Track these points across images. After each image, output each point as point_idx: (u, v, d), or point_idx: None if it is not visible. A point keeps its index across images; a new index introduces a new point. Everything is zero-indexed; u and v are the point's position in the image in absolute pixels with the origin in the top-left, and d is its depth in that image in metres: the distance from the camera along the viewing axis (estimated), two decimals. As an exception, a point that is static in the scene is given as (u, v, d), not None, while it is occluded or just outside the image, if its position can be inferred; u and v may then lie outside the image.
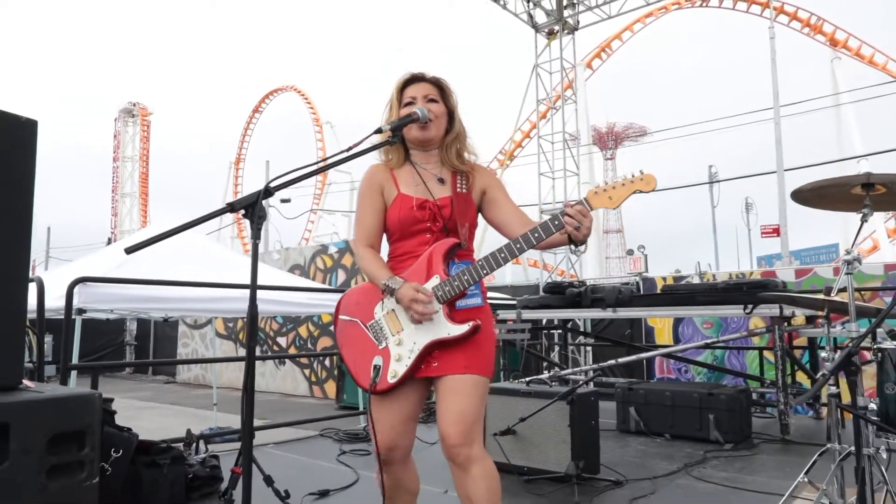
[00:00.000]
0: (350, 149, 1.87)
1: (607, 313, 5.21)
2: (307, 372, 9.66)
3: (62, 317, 3.41)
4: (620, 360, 5.25)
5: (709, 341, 5.66)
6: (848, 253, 2.25)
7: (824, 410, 5.11)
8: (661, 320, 7.80)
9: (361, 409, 5.05)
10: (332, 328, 2.01)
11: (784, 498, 2.44)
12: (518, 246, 1.73)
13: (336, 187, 25.82)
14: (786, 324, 4.73)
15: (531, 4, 10.30)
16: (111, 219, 30.33)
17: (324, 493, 3.15)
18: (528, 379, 3.99)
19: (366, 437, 4.50)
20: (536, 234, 1.71)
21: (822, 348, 5.41)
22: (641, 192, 1.70)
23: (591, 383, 5.86)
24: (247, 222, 1.60)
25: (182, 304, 4.40)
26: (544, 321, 6.76)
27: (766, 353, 5.80)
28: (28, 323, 1.66)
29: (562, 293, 5.55)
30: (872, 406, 2.39)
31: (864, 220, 2.26)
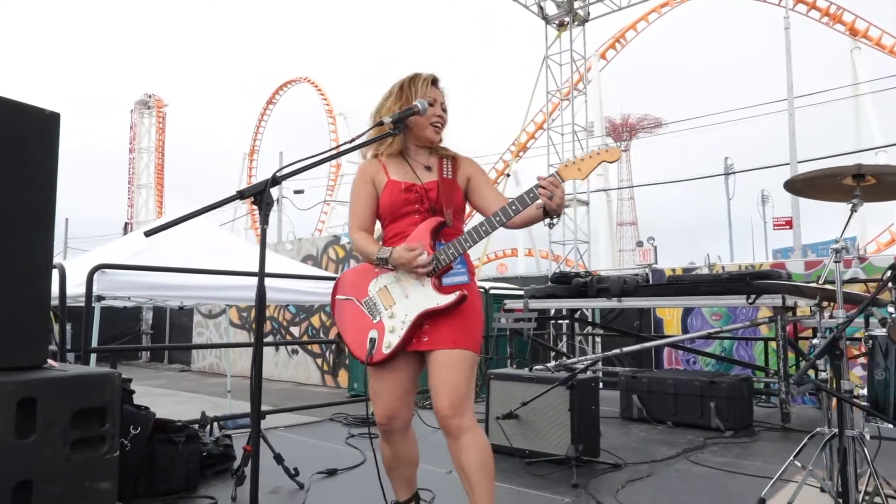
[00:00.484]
0: (353, 139, 1.99)
1: (612, 303, 5.27)
2: (319, 361, 9.83)
3: (82, 304, 3.56)
4: (625, 349, 5.32)
5: (711, 331, 5.71)
6: (837, 242, 2.31)
7: (829, 401, 5.16)
8: (669, 312, 7.84)
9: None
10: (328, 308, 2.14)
11: (773, 480, 2.51)
12: (497, 219, 1.87)
13: (349, 178, 25.98)
14: (790, 314, 4.78)
15: (542, -4, 10.30)
16: (127, 210, 30.80)
17: (332, 472, 3.28)
18: (531, 366, 4.08)
19: (374, 421, 4.63)
20: (514, 207, 1.83)
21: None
22: (607, 161, 1.84)
23: (593, 370, 5.94)
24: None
25: (197, 291, 4.54)
26: (552, 311, 6.84)
27: (773, 344, 5.84)
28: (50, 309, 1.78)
29: (568, 283, 5.62)
30: (863, 392, 2.46)
31: (853, 210, 2.31)
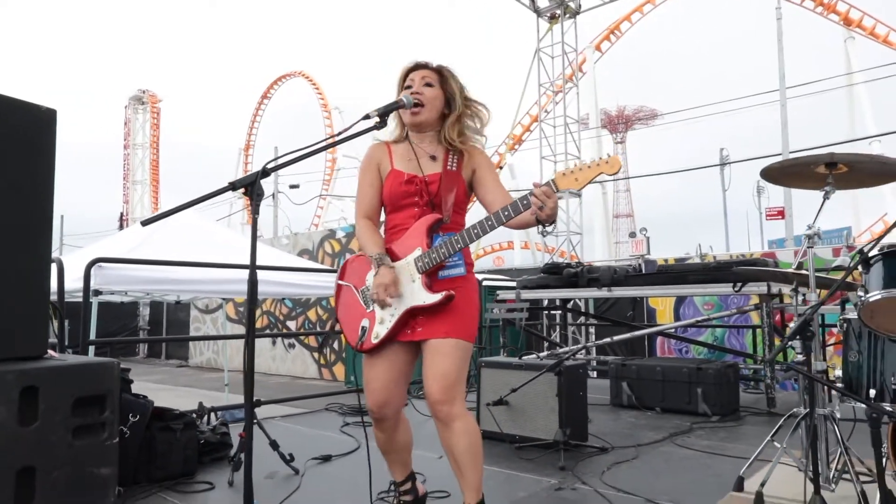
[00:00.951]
0: (340, 133, 2.04)
1: (603, 292, 5.36)
2: (316, 355, 9.91)
3: (79, 299, 3.62)
4: (615, 337, 5.41)
5: (699, 318, 5.80)
6: (809, 227, 2.39)
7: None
8: (662, 302, 7.94)
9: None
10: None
11: (751, 460, 2.60)
12: (490, 223, 1.88)
13: (345, 172, 26.02)
14: (777, 301, 4.86)
15: (534, -12, 10.34)
16: (123, 206, 30.75)
17: (326, 458, 3.36)
18: (521, 354, 4.16)
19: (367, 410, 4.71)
20: (506, 213, 1.85)
21: (822, 326, 5.56)
22: (606, 174, 1.80)
23: (585, 358, 6.03)
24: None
25: (194, 285, 4.61)
26: (545, 302, 6.92)
27: (761, 332, 5.94)
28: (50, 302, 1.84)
29: (559, 273, 5.70)
30: (838, 373, 2.55)
31: (826, 197, 2.39)
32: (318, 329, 9.87)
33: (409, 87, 2.08)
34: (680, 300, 7.70)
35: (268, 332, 10.67)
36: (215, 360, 11.58)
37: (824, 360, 2.48)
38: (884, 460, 1.99)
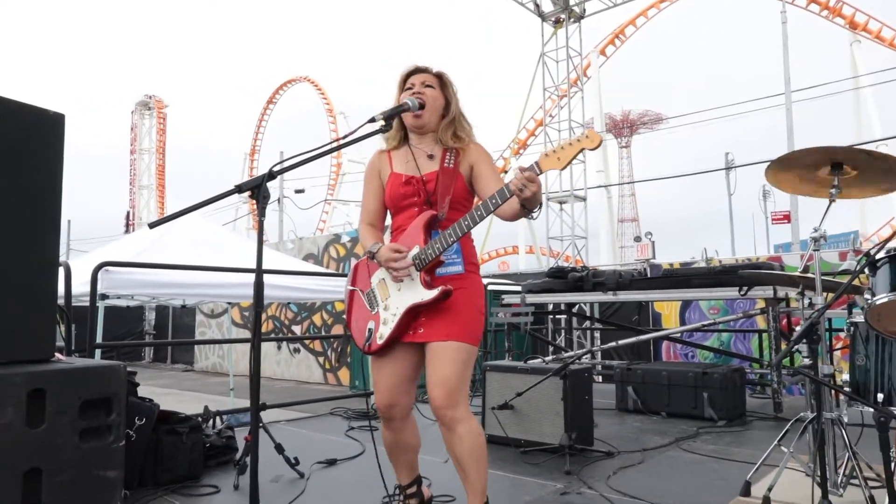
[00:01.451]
0: (346, 136, 2.06)
1: (608, 296, 5.35)
2: (321, 359, 9.92)
3: (86, 303, 3.64)
4: (620, 342, 5.39)
5: (705, 322, 5.78)
6: (815, 231, 2.38)
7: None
8: (668, 306, 7.91)
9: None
10: (345, 316, 2.22)
11: (758, 465, 2.58)
12: (479, 213, 1.87)
13: (350, 177, 26.09)
14: (784, 304, 4.84)
15: (538, -7, 10.36)
16: (129, 211, 30.93)
17: (332, 462, 3.36)
18: (526, 358, 4.16)
19: (374, 414, 4.71)
20: (493, 200, 1.84)
21: (829, 330, 5.54)
22: (587, 149, 1.77)
23: (591, 363, 6.01)
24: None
25: (199, 289, 4.63)
26: (550, 306, 6.91)
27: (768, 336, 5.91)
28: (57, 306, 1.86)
29: (564, 277, 5.69)
30: (845, 377, 2.54)
31: (832, 200, 2.38)
32: (324, 333, 9.88)
33: (409, 89, 2.10)
34: (685, 304, 7.68)
35: (273, 336, 10.70)
36: (220, 365, 11.62)
37: (831, 363, 2.47)
38: (892, 465, 1.97)
